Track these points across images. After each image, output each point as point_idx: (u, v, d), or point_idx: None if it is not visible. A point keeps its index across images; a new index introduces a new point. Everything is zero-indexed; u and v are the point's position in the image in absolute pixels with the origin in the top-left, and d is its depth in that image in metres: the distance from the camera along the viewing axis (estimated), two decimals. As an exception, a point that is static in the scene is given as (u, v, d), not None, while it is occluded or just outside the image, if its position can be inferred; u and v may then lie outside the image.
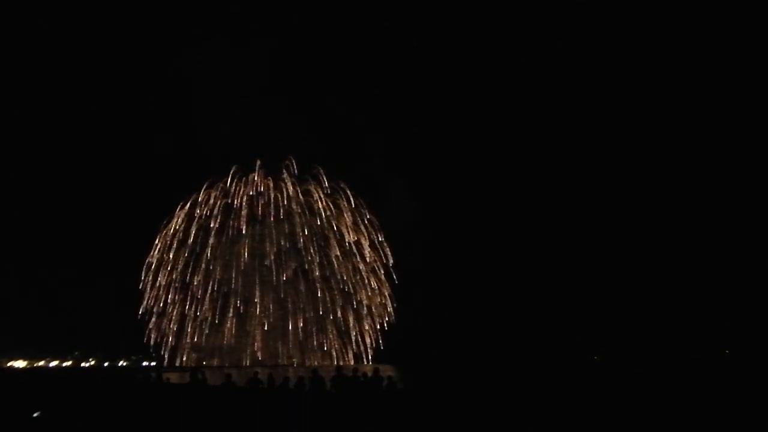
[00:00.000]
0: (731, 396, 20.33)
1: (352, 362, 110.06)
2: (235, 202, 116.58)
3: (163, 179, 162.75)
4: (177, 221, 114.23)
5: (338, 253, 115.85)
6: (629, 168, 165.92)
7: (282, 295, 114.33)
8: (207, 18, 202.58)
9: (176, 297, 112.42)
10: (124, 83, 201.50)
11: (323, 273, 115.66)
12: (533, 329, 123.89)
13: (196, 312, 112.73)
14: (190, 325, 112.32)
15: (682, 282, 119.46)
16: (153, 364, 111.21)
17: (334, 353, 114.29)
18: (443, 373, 52.96)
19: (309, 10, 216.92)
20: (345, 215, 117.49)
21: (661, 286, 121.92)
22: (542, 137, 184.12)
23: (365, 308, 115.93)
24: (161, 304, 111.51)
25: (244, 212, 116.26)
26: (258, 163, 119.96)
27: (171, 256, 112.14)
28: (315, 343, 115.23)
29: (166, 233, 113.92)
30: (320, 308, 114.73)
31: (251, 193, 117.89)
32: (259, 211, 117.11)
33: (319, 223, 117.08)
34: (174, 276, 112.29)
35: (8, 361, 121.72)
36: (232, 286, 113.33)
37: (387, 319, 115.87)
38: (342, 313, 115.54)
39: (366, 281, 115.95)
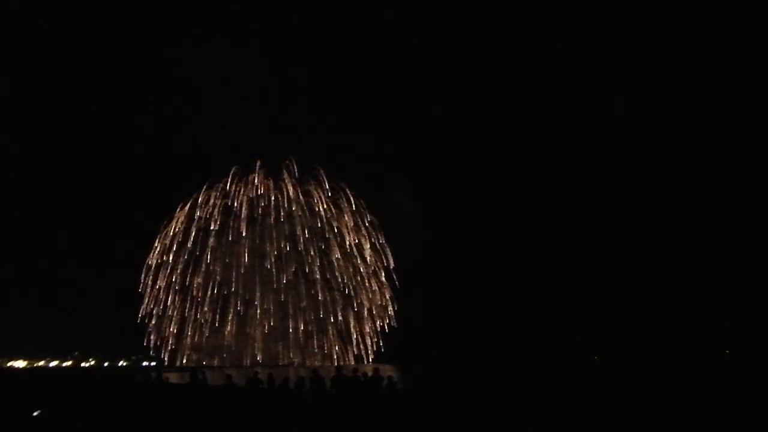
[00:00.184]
0: (731, 396, 20.31)
1: (352, 363, 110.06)
2: (236, 204, 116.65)
3: (163, 179, 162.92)
4: (177, 222, 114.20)
5: (338, 256, 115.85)
6: (629, 168, 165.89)
7: (282, 299, 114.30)
8: (207, 18, 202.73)
9: (176, 299, 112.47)
10: (124, 83, 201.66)
11: (324, 275, 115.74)
12: (533, 329, 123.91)
13: (196, 314, 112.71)
14: (190, 327, 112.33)
15: (682, 282, 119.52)
16: (153, 364, 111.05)
17: (335, 356, 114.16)
18: (443, 373, 52.93)
19: (309, 10, 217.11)
20: (346, 216, 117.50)
21: (661, 286, 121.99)
22: (542, 137, 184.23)
23: (366, 311, 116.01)
24: (161, 307, 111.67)
25: (244, 213, 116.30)
26: (258, 163, 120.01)
27: (171, 258, 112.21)
28: (315, 345, 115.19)
29: (165, 234, 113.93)
30: (321, 310, 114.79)
31: (251, 195, 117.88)
32: (260, 213, 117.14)
33: (319, 225, 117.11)
34: (174, 278, 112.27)
35: (8, 361, 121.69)
36: (233, 288, 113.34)
37: (388, 321, 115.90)
38: (343, 315, 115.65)
39: (367, 283, 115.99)
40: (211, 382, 22.43)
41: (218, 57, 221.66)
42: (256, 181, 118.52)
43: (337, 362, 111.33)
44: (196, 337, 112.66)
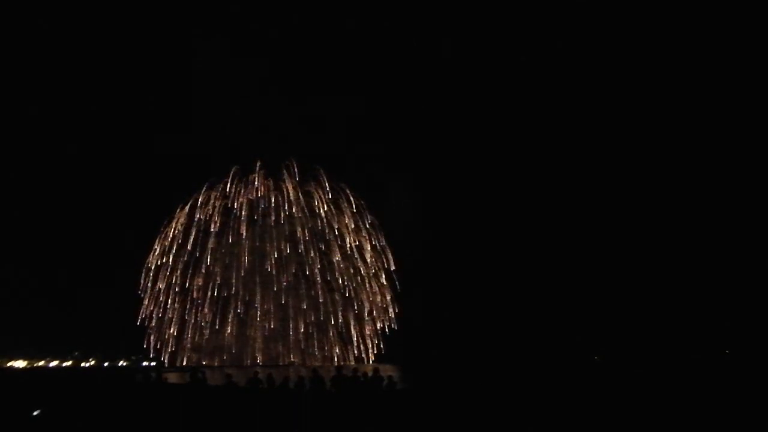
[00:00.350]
0: (731, 396, 20.30)
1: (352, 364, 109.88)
2: (235, 204, 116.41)
3: (163, 180, 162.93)
4: (177, 223, 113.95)
5: (339, 258, 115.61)
6: (629, 168, 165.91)
7: (283, 301, 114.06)
8: (207, 18, 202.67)
9: (176, 301, 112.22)
10: (124, 83, 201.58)
11: (324, 276, 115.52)
12: (533, 329, 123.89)
13: (196, 316, 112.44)
14: (190, 328, 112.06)
15: (682, 282, 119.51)
16: (153, 364, 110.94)
17: (335, 357, 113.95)
18: (443, 373, 52.91)
19: (309, 10, 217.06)
20: (346, 218, 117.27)
21: (661, 286, 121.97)
22: (542, 137, 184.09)
23: (366, 313, 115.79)
24: (161, 309, 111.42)
25: (244, 214, 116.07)
26: (258, 164, 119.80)
27: (171, 260, 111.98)
28: (316, 346, 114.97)
29: (165, 235, 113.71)
30: (321, 312, 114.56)
31: (251, 196, 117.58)
32: (260, 214, 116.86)
33: (320, 227, 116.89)
34: (174, 280, 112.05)
35: (8, 361, 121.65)
36: (233, 290, 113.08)
37: (389, 324, 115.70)
38: (343, 317, 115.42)
39: (367, 286, 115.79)
40: (211, 382, 22.41)
41: (218, 57, 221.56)
42: (256, 181, 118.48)
43: (338, 363, 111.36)
44: (197, 337, 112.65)
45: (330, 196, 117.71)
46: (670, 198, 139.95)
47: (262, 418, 15.71)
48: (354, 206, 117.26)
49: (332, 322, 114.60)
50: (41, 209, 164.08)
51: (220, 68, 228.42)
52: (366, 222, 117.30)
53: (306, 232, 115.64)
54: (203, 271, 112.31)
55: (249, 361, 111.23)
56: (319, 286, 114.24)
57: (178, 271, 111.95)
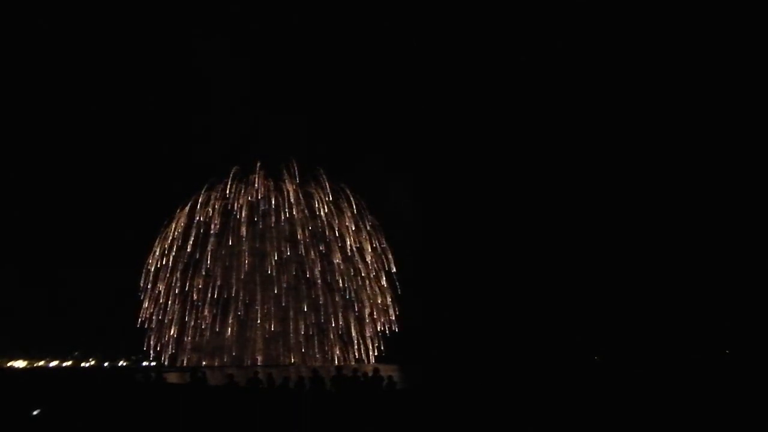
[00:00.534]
0: (731, 396, 20.31)
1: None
2: (236, 205, 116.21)
3: (163, 180, 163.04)
4: (177, 224, 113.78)
5: (339, 259, 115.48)
6: (629, 168, 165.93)
7: (283, 303, 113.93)
8: (207, 18, 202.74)
9: (176, 302, 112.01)
10: (124, 84, 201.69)
11: (324, 278, 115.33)
12: (533, 330, 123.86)
13: (196, 317, 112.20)
14: (190, 330, 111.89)
15: (682, 282, 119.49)
16: (153, 364, 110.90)
17: (335, 359, 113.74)
18: (443, 373, 52.89)
19: (309, 10, 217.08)
20: (346, 219, 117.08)
21: (661, 286, 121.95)
22: (542, 137, 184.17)
23: (367, 314, 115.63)
24: (161, 311, 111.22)
25: (244, 215, 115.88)
26: (258, 164, 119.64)
27: (171, 261, 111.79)
28: (316, 348, 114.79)
29: (165, 236, 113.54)
30: (321, 313, 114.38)
31: (251, 197, 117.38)
32: (260, 215, 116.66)
33: (320, 228, 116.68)
34: (173, 281, 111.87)
35: (8, 361, 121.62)
36: (233, 291, 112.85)
37: (389, 326, 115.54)
38: (343, 318, 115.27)
39: (368, 287, 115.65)
40: (211, 382, 22.40)
41: (218, 57, 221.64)
42: (256, 182, 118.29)
43: (338, 364, 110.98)
44: (197, 337, 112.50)
45: (330, 197, 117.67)
46: (669, 198, 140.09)
47: (262, 418, 15.71)
48: (354, 207, 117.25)
49: (332, 324, 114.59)
50: (41, 209, 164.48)
51: (220, 69, 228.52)
52: (366, 223, 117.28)
53: (306, 233, 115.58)
54: (203, 272, 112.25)
55: (249, 362, 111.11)
56: (319, 287, 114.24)
57: (178, 273, 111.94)
